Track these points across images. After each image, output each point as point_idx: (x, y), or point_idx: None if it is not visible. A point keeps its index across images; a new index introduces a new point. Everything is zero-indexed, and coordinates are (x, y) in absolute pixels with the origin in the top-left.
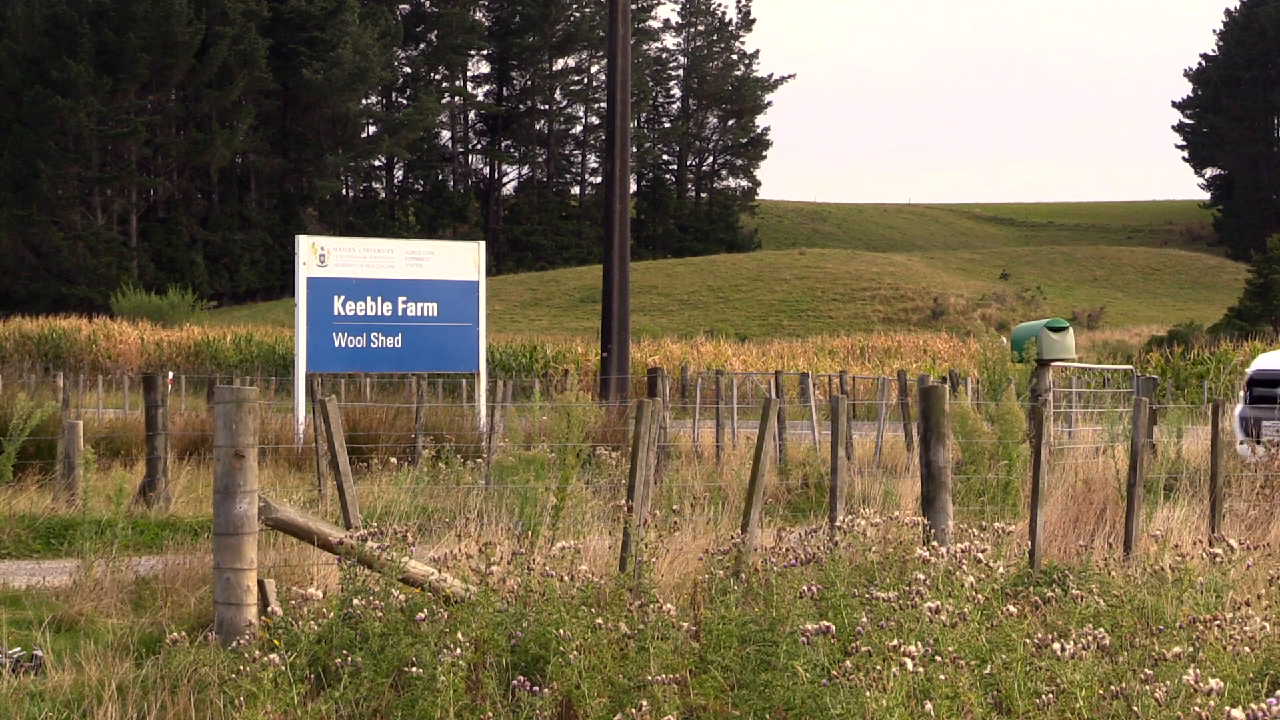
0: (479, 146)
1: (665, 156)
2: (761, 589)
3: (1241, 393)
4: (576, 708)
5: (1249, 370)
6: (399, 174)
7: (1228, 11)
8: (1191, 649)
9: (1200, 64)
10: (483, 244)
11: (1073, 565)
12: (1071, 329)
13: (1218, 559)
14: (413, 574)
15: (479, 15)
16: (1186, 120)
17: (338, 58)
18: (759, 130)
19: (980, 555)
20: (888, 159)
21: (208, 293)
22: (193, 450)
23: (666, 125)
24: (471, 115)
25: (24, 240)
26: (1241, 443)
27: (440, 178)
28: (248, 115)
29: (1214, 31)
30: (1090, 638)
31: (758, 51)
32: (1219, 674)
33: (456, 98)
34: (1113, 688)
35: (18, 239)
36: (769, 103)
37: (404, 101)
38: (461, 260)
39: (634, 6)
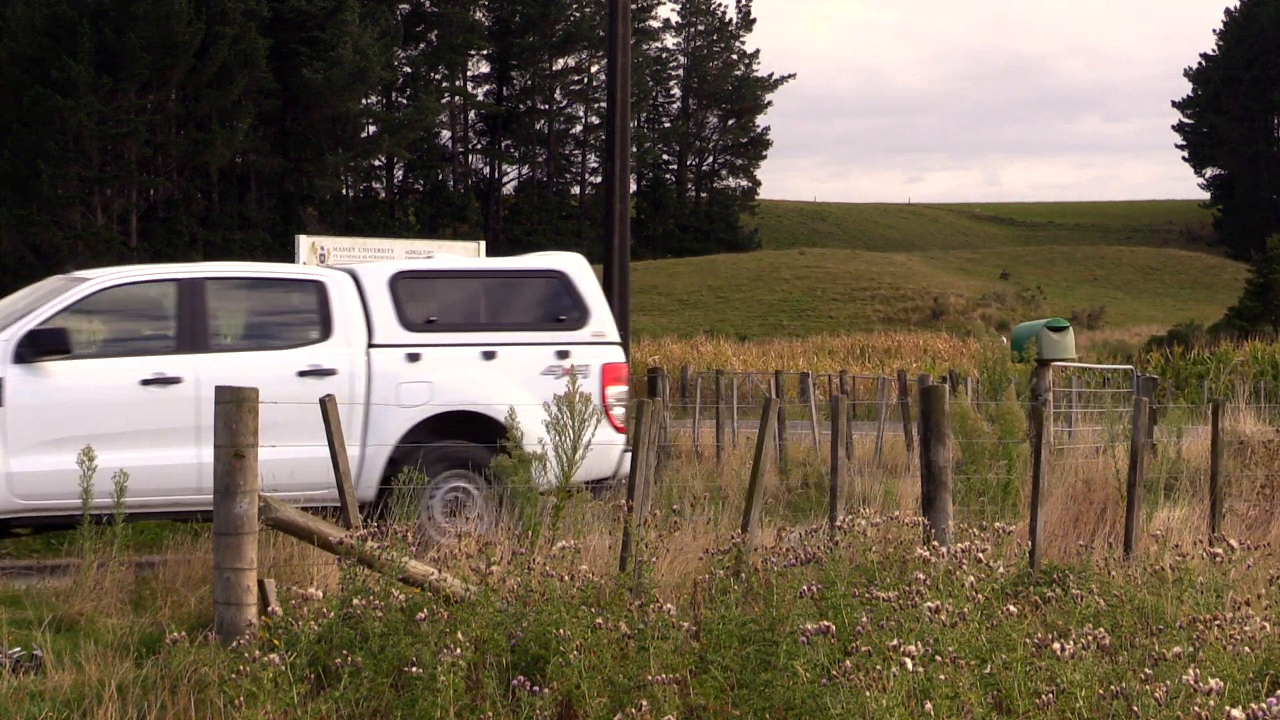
0: (479, 146)
1: (665, 156)
2: (761, 589)
3: None
4: (576, 707)
5: None
6: (399, 174)
7: (1228, 11)
8: (1191, 649)
9: (1200, 64)
10: (483, 244)
11: (1073, 565)
12: (1071, 329)
13: (1218, 559)
14: (413, 573)
15: (479, 15)
16: (1186, 120)
17: (338, 58)
18: (759, 130)
19: (980, 555)
20: (888, 159)
21: None
22: None
23: (666, 125)
24: (471, 115)
25: (24, 240)
26: None
27: (440, 178)
28: (248, 115)
29: (1214, 31)
30: (1090, 637)
31: (758, 51)
32: (1219, 674)
33: (456, 98)
34: (1113, 687)
35: (18, 239)
36: (769, 103)
37: (404, 101)
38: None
39: (634, 6)
